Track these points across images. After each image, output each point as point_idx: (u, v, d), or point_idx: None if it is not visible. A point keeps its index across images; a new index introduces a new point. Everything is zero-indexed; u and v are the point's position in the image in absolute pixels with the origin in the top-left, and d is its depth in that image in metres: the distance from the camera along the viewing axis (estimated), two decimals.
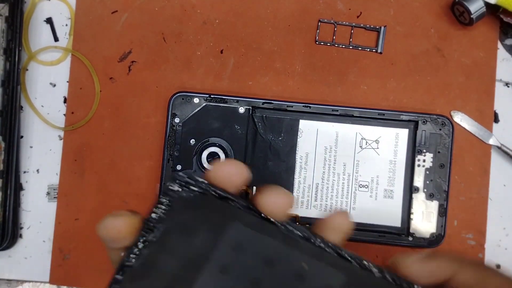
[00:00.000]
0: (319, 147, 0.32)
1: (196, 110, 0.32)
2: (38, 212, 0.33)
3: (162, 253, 0.15)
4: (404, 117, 0.32)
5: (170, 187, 0.16)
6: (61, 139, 0.34)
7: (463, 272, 0.19)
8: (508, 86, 0.34)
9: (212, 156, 0.31)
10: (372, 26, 0.33)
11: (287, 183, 0.32)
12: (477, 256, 0.32)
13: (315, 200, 0.32)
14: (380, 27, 0.33)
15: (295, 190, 0.32)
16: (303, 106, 0.32)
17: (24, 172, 0.33)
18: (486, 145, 0.33)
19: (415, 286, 0.16)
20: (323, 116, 0.32)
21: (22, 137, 0.34)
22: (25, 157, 0.34)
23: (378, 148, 0.32)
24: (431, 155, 0.32)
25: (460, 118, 0.33)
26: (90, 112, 0.33)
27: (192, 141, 0.32)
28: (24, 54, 0.34)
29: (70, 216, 0.33)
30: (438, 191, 0.31)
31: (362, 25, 0.34)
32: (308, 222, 0.31)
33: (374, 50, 0.34)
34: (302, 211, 0.32)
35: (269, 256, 0.15)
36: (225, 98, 0.32)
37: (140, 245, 0.15)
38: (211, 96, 0.32)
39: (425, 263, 0.20)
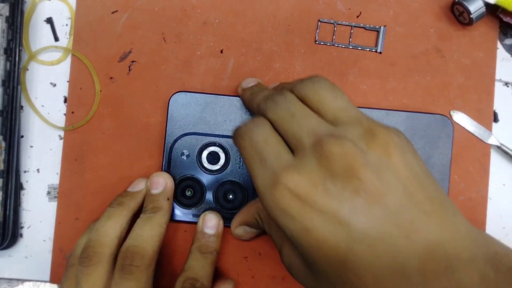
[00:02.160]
0: None
1: None
2: (38, 212, 0.33)
3: None
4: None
5: None
6: (61, 139, 0.34)
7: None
8: (507, 86, 0.34)
9: (213, 156, 0.31)
10: (371, 26, 0.34)
11: None
12: None
13: None
14: (380, 27, 0.33)
15: None
16: None
17: (25, 171, 0.34)
18: (486, 144, 0.33)
19: None
20: None
21: (22, 136, 0.34)
22: (26, 157, 0.34)
23: None
24: None
25: (459, 118, 0.33)
26: (90, 112, 0.33)
27: None
28: (25, 54, 0.34)
29: (70, 215, 0.33)
30: None
31: (361, 25, 0.34)
32: None
33: (373, 50, 0.34)
34: None
35: None
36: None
37: None
38: None
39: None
